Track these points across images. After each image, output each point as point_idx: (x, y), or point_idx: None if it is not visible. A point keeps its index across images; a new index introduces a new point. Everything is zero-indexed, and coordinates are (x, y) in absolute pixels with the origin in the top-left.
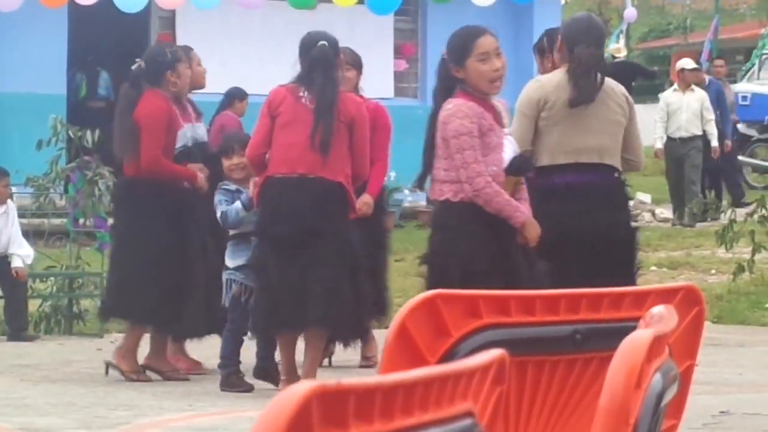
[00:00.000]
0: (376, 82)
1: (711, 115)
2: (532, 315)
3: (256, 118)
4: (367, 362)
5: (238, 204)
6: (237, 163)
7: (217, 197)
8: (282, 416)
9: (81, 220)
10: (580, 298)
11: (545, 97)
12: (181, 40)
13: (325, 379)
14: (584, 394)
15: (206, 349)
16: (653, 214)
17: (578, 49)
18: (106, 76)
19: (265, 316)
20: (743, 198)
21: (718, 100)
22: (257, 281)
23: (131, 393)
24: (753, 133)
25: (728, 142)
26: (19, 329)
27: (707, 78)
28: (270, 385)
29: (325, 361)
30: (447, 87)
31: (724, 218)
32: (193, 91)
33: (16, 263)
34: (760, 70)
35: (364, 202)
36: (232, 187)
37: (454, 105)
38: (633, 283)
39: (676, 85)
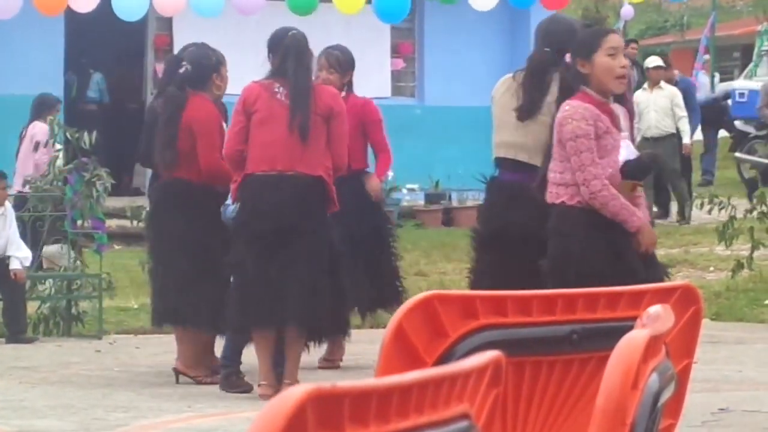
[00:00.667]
0: (373, 81)
1: (683, 112)
2: (529, 315)
3: None
4: (329, 364)
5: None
6: None
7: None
8: (278, 419)
9: (79, 222)
10: (576, 298)
11: (493, 93)
12: (177, 41)
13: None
14: (581, 394)
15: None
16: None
17: (533, 52)
18: (99, 78)
19: (240, 313)
20: (686, 209)
21: (685, 98)
22: (234, 278)
23: (130, 395)
24: (750, 129)
25: (687, 143)
26: (17, 331)
27: (677, 74)
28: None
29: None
30: (568, 94)
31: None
32: None
33: (14, 265)
34: (757, 66)
35: (373, 186)
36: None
37: (571, 107)
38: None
39: (645, 84)
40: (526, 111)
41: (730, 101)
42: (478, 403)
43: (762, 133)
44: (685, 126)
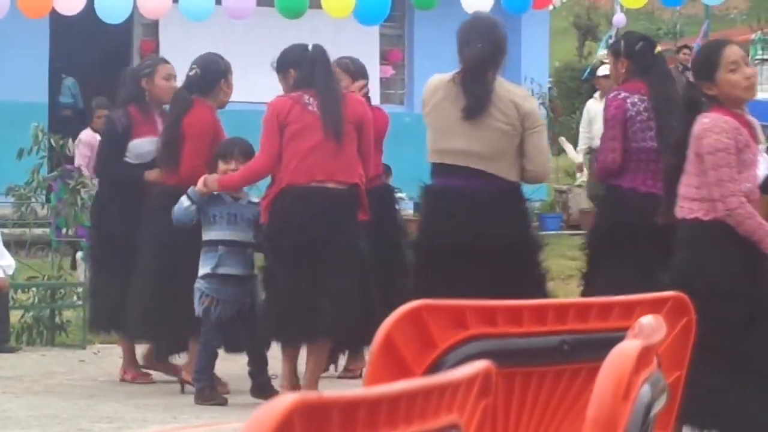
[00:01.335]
0: None
1: None
2: (520, 326)
3: (243, 125)
4: (350, 374)
5: (183, 197)
6: (234, 169)
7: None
8: (264, 429)
9: (63, 230)
10: (567, 308)
11: (429, 96)
12: (164, 48)
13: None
14: (572, 405)
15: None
16: None
17: (465, 51)
18: (70, 83)
19: (274, 326)
20: None
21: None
22: (266, 291)
23: (114, 405)
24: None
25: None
26: (1, 341)
27: None
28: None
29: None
30: (694, 109)
31: None
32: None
33: None
34: None
35: None
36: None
37: (710, 119)
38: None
39: (596, 94)
40: (474, 111)
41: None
42: (468, 414)
43: None
44: None
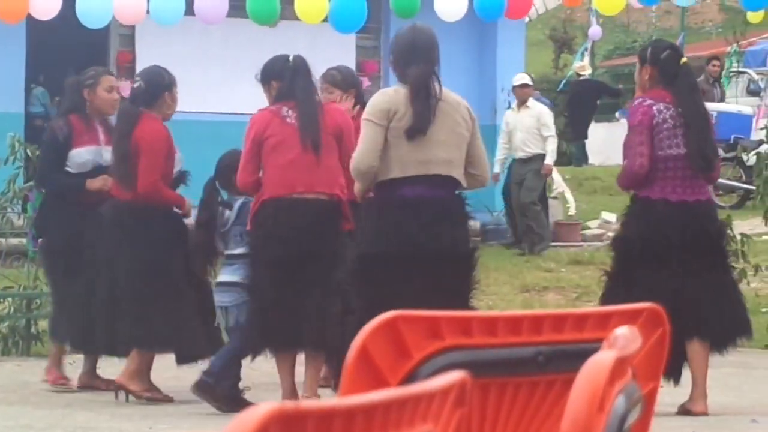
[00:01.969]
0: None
1: (549, 132)
2: (495, 336)
3: (220, 135)
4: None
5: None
6: None
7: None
8: None
9: (40, 240)
10: (542, 319)
11: (395, 108)
12: (140, 58)
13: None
14: (547, 416)
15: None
16: None
17: (410, 71)
18: (40, 92)
19: (259, 337)
20: (538, 247)
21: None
22: (251, 302)
23: (89, 415)
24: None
25: (548, 163)
26: None
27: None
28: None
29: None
30: None
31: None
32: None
33: None
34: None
35: None
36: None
37: None
38: (467, 302)
39: (513, 104)
40: (419, 130)
41: None
42: (443, 424)
43: (730, 155)
44: (550, 146)
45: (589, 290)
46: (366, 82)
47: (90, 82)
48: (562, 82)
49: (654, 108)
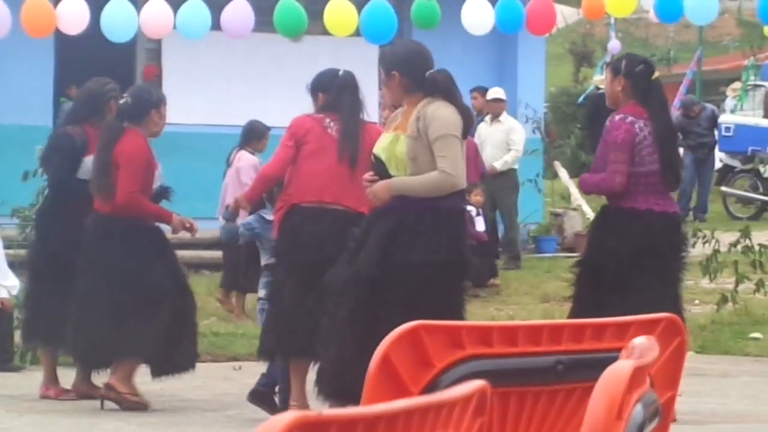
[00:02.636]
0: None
1: (515, 146)
2: (515, 346)
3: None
4: None
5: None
6: None
7: (250, 220)
8: None
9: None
10: (562, 328)
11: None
12: (167, 73)
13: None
14: (566, 424)
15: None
16: None
17: (433, 75)
18: (69, 107)
19: (275, 341)
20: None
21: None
22: (271, 306)
23: (117, 423)
24: (736, 163)
25: (495, 165)
26: (4, 360)
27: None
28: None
29: None
30: None
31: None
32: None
33: (2, 294)
34: (742, 101)
35: None
36: (270, 217)
37: None
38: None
39: (487, 117)
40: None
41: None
42: None
43: (747, 166)
44: (509, 156)
45: None
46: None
47: (115, 94)
48: (582, 96)
49: (636, 126)
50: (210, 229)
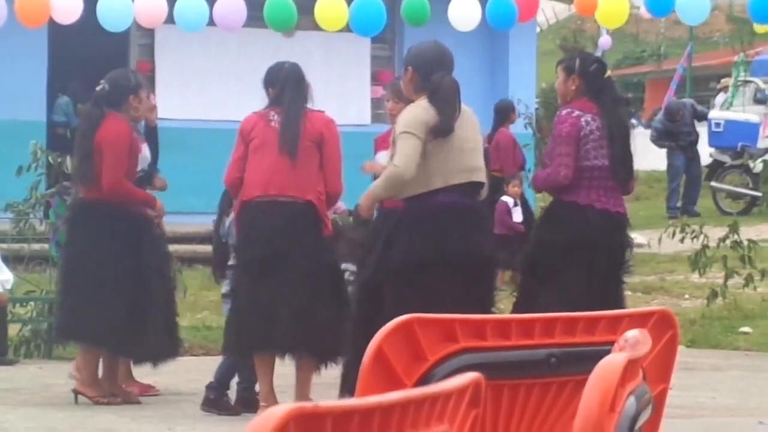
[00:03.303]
0: (353, 108)
1: None
2: (508, 339)
3: (231, 144)
4: None
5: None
6: None
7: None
8: None
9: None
10: (554, 322)
11: (431, 119)
12: (159, 67)
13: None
14: (559, 417)
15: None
16: None
17: (436, 77)
18: (65, 102)
19: (235, 337)
20: None
21: None
22: (231, 303)
23: (110, 416)
24: (726, 159)
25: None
26: None
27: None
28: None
29: None
30: None
31: None
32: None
33: None
34: (733, 97)
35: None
36: None
37: None
38: (492, 304)
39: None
40: (447, 131)
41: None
42: (458, 424)
43: (737, 162)
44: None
45: None
46: (381, 91)
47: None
48: None
49: (582, 119)
50: (204, 223)
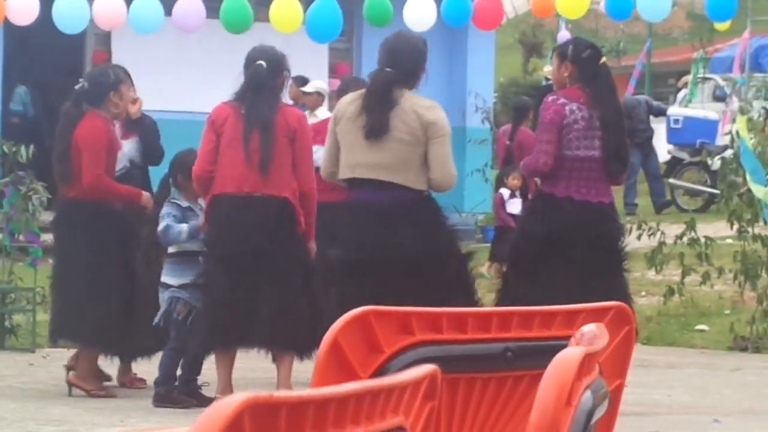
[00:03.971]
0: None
1: None
2: (464, 332)
3: (194, 135)
4: None
5: (184, 227)
6: None
7: (165, 209)
8: (214, 428)
9: (15, 235)
10: (511, 315)
11: (341, 112)
12: (116, 59)
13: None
14: (515, 411)
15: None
16: None
17: (374, 74)
18: (23, 91)
19: (208, 333)
20: None
21: None
22: (203, 299)
23: (63, 408)
24: (684, 156)
25: None
26: None
27: None
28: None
29: None
30: None
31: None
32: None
33: None
34: (692, 94)
35: None
36: (184, 203)
37: None
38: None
39: (307, 112)
40: (376, 130)
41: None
42: (414, 416)
43: (695, 159)
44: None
45: None
46: (338, 84)
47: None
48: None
49: (566, 108)
50: None
